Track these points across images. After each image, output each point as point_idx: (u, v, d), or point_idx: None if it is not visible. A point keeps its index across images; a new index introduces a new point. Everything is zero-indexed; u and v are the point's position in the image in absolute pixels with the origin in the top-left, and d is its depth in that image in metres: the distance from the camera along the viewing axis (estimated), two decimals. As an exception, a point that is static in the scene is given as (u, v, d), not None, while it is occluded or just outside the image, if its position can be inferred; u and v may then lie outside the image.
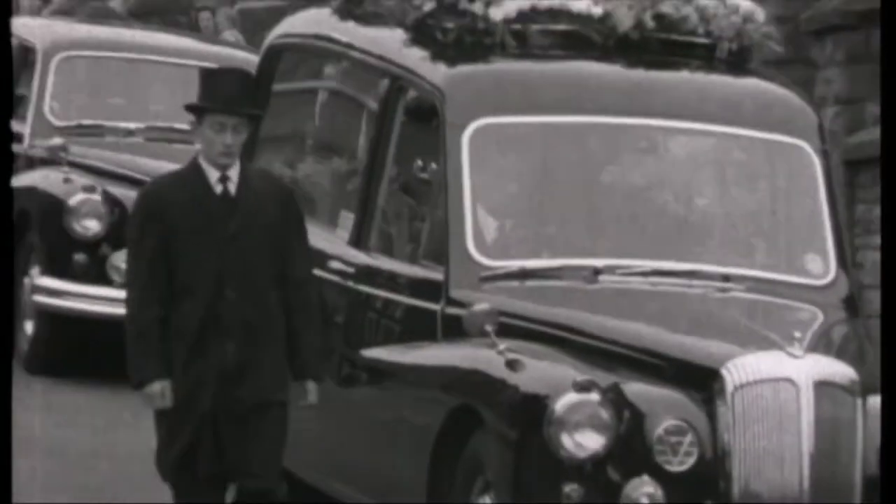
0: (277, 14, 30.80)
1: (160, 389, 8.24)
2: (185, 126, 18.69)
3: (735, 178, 10.63)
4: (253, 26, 24.99)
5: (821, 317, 9.80)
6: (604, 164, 10.40)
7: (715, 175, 10.56)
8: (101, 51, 18.45)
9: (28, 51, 16.34)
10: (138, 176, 15.72)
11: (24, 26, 17.19)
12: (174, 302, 8.42)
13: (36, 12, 26.48)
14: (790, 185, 10.52)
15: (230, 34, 24.48)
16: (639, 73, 10.51)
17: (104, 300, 13.86)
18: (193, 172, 8.69)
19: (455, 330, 9.74)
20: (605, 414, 8.39)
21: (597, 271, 9.70)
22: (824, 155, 10.49)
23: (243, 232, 8.49)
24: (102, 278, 14.31)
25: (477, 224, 9.95)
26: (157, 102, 17.89)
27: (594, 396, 8.42)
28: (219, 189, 8.48)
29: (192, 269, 8.44)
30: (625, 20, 10.61)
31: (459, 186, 10.00)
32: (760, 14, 11.02)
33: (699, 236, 10.29)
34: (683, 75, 10.53)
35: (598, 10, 10.58)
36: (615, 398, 8.58)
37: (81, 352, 14.35)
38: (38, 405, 14.15)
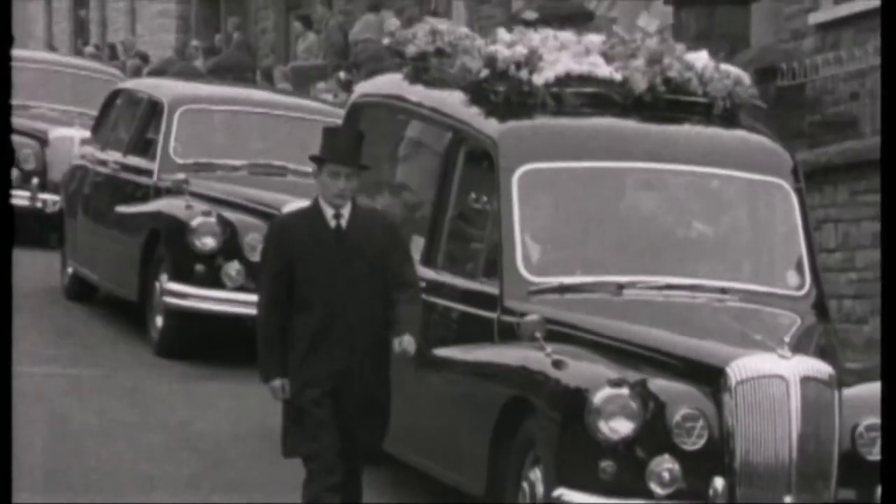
0: (322, 70, 33.71)
1: (280, 385, 9.48)
2: (279, 163, 18.27)
3: (728, 210, 11.62)
4: (304, 80, 30.08)
5: (799, 321, 10.81)
6: (624, 199, 11.50)
7: (711, 207, 11.49)
8: (213, 104, 20.09)
9: (156, 104, 17.44)
10: (244, 202, 16.89)
11: (154, 87, 19.09)
12: (294, 314, 9.58)
13: (137, 72, 27.82)
14: (772, 214, 11.53)
15: (324, 87, 27.90)
16: (651, 127, 11.56)
17: (219, 301, 15.48)
18: (314, 210, 9.82)
19: (509, 333, 10.84)
20: (633, 404, 9.36)
21: (620, 286, 10.77)
22: (799, 191, 11.42)
23: (351, 259, 9.65)
24: (217, 283, 15.64)
25: (525, 248, 10.96)
26: (256, 143, 19.58)
27: (625, 391, 9.41)
28: (333, 224, 9.60)
29: (310, 288, 9.63)
30: (640, 84, 11.46)
31: (510, 218, 11.02)
32: (746, 78, 11.99)
33: (700, 256, 11.24)
34: (686, 128, 11.58)
35: (618, 76, 11.49)
36: (641, 391, 9.54)
37: (200, 341, 15.71)
38: (166, 382, 15.17)
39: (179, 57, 37.33)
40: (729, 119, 11.93)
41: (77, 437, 13.78)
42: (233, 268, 15.72)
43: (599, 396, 9.47)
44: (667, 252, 11.35)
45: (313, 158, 10.08)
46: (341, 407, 9.65)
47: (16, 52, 21.10)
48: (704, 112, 11.77)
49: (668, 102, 11.68)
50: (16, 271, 13.14)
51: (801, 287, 11.22)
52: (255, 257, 15.99)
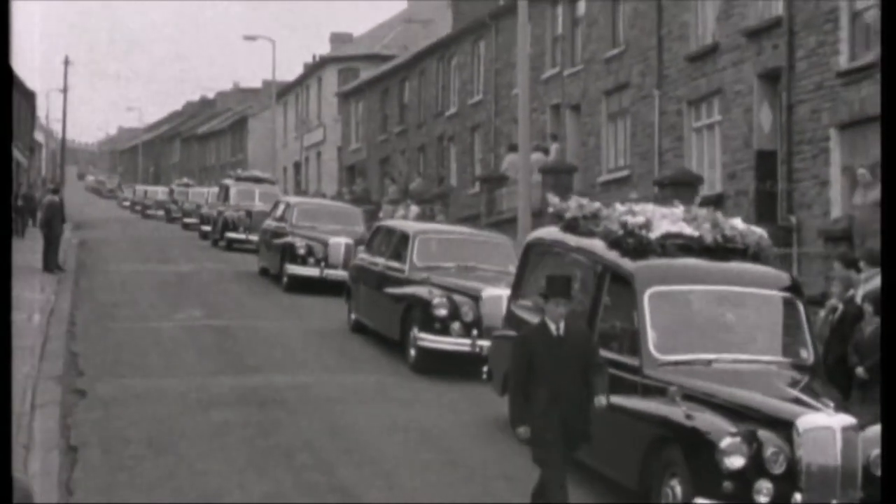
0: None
1: (524, 430, 11.02)
2: (473, 264, 21.22)
3: (764, 312, 13.35)
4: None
5: (818, 383, 12.24)
6: (707, 306, 13.14)
7: (754, 310, 13.26)
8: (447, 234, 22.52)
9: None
10: (459, 287, 19.89)
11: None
12: (532, 386, 11.13)
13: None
14: (788, 316, 13.10)
15: None
16: (716, 264, 13.30)
17: (448, 343, 19.17)
18: (542, 325, 11.28)
19: (649, 391, 12.06)
20: (745, 447, 10.72)
21: (709, 361, 12.42)
22: (804, 303, 13.04)
23: (566, 353, 11.14)
24: (447, 333, 19.31)
25: (654, 337, 12.50)
26: (464, 254, 22.04)
27: (738, 439, 10.76)
28: (555, 333, 11.17)
29: (542, 371, 11.10)
30: (708, 238, 13.45)
31: (644, 320, 12.53)
32: (765, 234, 13.81)
33: (752, 341, 12.95)
34: (734, 265, 13.32)
35: (695, 233, 13.40)
36: (749, 437, 10.74)
37: (438, 366, 18.94)
38: (414, 394, 17.71)
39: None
40: (756, 258, 13.61)
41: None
42: (456, 325, 19.11)
43: (725, 443, 10.79)
44: (733, 338, 12.83)
45: (543, 295, 11.44)
46: (564, 435, 11.20)
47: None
48: (743, 254, 13.45)
49: (724, 248, 13.41)
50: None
51: (809, 359, 12.81)
52: (469, 318, 18.67)
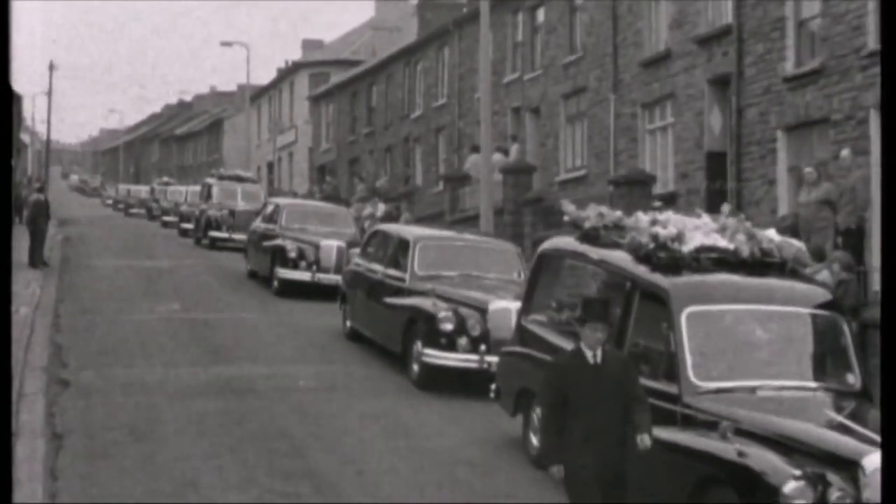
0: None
1: (557, 470, 9.36)
2: (477, 273, 18.99)
3: (806, 332, 11.89)
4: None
5: (868, 411, 10.56)
6: (747, 328, 11.48)
7: (796, 331, 11.72)
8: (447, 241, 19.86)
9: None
10: (462, 299, 17.75)
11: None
12: (568, 419, 9.37)
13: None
14: (832, 337, 11.72)
15: None
16: (753, 280, 11.70)
17: (455, 360, 17.30)
18: (578, 352, 9.57)
19: (689, 422, 10.35)
20: (810, 492, 9.14)
21: (753, 389, 10.67)
22: (847, 322, 11.46)
23: (605, 383, 9.44)
24: (452, 347, 17.20)
25: (693, 362, 10.77)
26: (464, 262, 19.85)
27: (804, 482, 9.22)
28: (592, 361, 9.49)
29: (577, 403, 9.37)
30: (745, 251, 11.71)
31: (682, 343, 10.76)
32: (804, 247, 12.19)
33: (795, 364, 11.51)
34: (773, 281, 11.70)
35: (731, 246, 11.75)
36: (815, 480, 9.17)
37: (439, 381, 16.99)
38: (420, 406, 16.21)
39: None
40: (795, 274, 11.89)
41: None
42: (463, 340, 17.13)
43: (789, 487, 9.23)
44: (777, 362, 11.26)
45: (578, 319, 9.82)
46: (600, 476, 9.53)
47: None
48: (781, 268, 11.82)
49: (761, 263, 11.75)
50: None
51: (856, 384, 11.16)
52: (476, 332, 16.78)
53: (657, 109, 29.60)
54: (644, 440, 9.42)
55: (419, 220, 32.94)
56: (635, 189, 26.29)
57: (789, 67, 24.13)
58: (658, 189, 27.96)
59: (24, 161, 79.49)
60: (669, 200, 25.36)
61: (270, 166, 70.01)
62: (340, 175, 55.40)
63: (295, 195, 45.22)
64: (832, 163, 21.63)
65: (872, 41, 21.24)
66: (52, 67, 77.93)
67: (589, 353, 9.68)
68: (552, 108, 35.02)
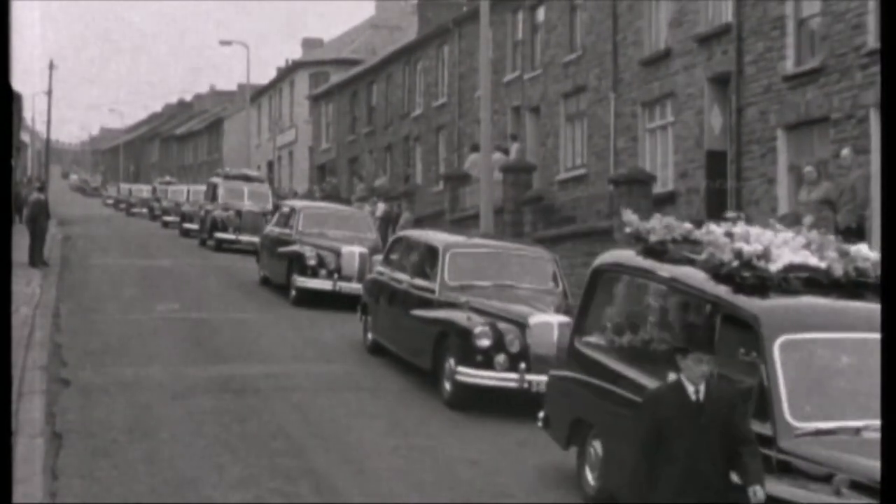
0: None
1: None
2: (509, 282, 17.10)
3: None
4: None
5: None
6: (843, 357, 10.13)
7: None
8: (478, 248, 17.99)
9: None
10: (502, 314, 16.26)
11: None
12: (660, 463, 7.99)
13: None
14: None
15: None
16: (848, 304, 10.23)
17: (492, 378, 15.66)
18: (678, 385, 8.15)
19: (787, 469, 8.86)
20: None
21: (857, 430, 9.18)
22: None
23: (708, 423, 8.05)
24: (489, 365, 15.60)
25: (788, 399, 9.18)
26: (496, 271, 17.94)
27: None
28: (693, 397, 8.05)
29: (675, 444, 7.99)
30: (838, 271, 10.12)
31: (776, 377, 9.14)
32: (878, 260, 10.04)
33: None
34: (869, 305, 10.12)
35: (823, 265, 10.16)
36: None
37: (477, 400, 15.52)
38: (448, 423, 15.13)
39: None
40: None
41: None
42: (501, 357, 15.51)
43: None
44: (877, 399, 9.04)
45: (679, 349, 8.46)
46: None
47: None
48: (875, 290, 10.16)
49: (854, 283, 10.32)
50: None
51: None
52: (515, 349, 15.07)
53: (657, 108, 29.41)
54: (757, 493, 8.15)
55: (419, 220, 32.61)
56: (635, 188, 25.92)
57: (789, 66, 23.22)
58: (658, 188, 27.49)
59: (24, 160, 79.42)
60: (669, 200, 25.23)
61: (270, 165, 69.98)
62: (340, 174, 55.33)
63: (295, 195, 44.86)
64: (832, 162, 21.42)
65: (872, 40, 21.11)
66: (52, 67, 77.45)
67: (691, 388, 8.40)
68: (552, 107, 34.87)
